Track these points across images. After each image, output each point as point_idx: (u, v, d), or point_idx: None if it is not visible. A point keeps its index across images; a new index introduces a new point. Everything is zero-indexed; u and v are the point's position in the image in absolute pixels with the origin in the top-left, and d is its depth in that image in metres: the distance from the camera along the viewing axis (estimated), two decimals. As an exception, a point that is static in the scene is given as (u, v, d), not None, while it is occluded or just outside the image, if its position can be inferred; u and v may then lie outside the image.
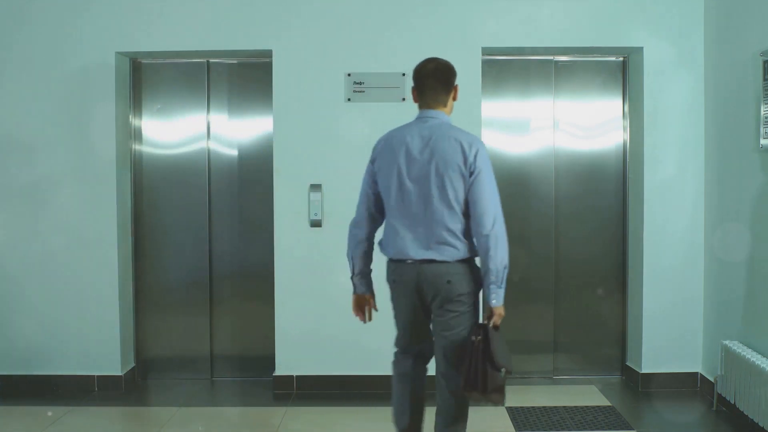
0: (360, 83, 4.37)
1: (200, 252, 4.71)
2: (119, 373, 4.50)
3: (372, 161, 2.94)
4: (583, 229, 4.69)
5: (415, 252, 2.81)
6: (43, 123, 4.42)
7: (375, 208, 2.96)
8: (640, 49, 4.39)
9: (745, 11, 3.89)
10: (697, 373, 4.41)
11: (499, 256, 2.73)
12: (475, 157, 2.76)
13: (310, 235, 4.40)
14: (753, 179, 3.78)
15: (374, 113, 4.37)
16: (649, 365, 4.43)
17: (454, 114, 3.00)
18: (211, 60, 4.66)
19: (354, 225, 3.00)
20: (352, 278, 3.02)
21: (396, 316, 3.01)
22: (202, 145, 4.70)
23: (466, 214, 2.79)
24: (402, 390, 3.00)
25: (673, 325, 4.39)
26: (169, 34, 4.42)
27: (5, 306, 4.49)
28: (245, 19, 4.39)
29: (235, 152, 4.72)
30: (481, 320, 2.91)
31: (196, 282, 4.72)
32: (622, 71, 4.64)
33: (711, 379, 4.15)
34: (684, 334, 4.40)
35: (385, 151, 2.88)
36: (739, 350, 3.74)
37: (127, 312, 4.61)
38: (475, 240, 2.80)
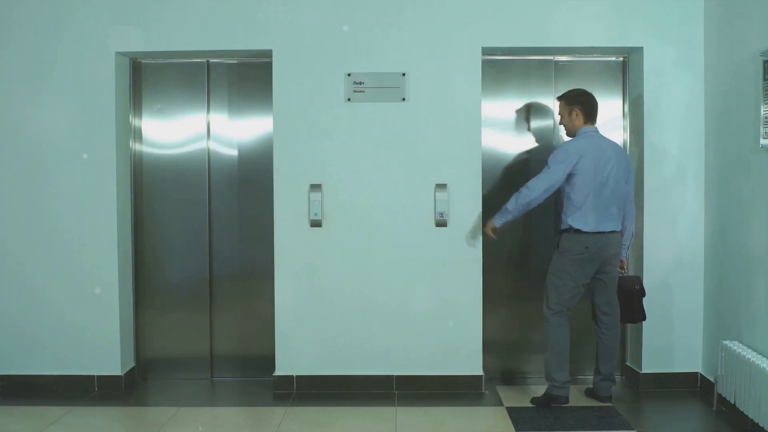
0: (360, 83, 4.37)
1: (200, 252, 4.71)
2: (119, 373, 4.50)
3: (573, 162, 3.94)
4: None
5: (605, 226, 3.98)
6: (42, 123, 4.42)
7: (554, 190, 4.02)
8: (640, 49, 4.39)
9: (745, 11, 3.89)
10: (697, 373, 4.41)
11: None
12: (628, 159, 4.16)
13: (310, 235, 4.40)
14: (753, 179, 3.78)
15: (374, 113, 4.37)
16: (649, 365, 4.43)
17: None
18: (211, 60, 4.66)
19: (529, 188, 3.99)
20: (503, 220, 4.12)
21: (570, 282, 3.99)
22: (202, 145, 4.70)
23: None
24: (565, 346, 4.04)
25: (673, 325, 4.39)
26: (169, 34, 4.42)
27: (5, 306, 4.49)
28: (245, 19, 4.39)
29: (235, 152, 4.72)
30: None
31: (196, 282, 4.72)
32: (622, 71, 4.64)
33: (711, 379, 4.15)
34: (684, 334, 4.40)
35: (584, 158, 3.95)
36: (739, 350, 3.74)
37: (127, 312, 4.61)
38: (627, 214, 4.14)
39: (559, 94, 4.46)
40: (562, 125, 4.24)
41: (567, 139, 4.24)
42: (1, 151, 4.45)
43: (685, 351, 4.41)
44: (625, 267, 4.24)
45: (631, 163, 4.18)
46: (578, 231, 3.96)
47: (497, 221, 4.13)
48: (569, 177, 3.97)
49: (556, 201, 4.48)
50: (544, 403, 4.08)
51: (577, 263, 3.99)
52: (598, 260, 4.00)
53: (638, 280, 4.21)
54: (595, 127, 4.11)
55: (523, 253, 4.72)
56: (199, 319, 4.73)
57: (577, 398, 4.26)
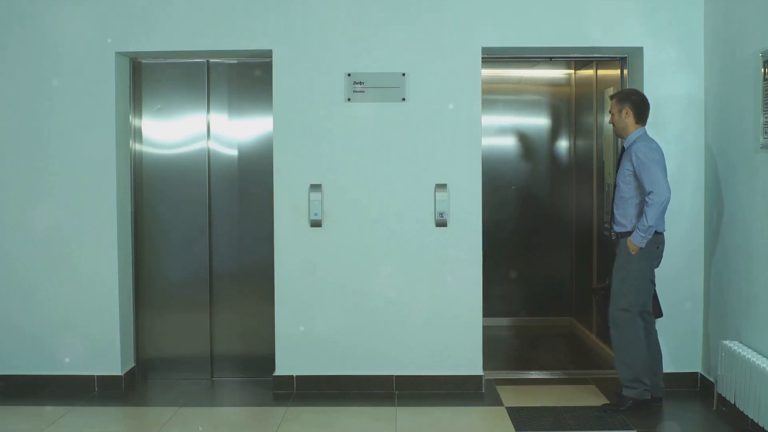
0: (360, 83, 4.37)
1: (200, 252, 4.71)
2: (119, 373, 4.51)
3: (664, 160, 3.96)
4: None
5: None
6: (43, 123, 4.42)
7: None
8: (640, 49, 4.39)
9: (745, 11, 3.89)
10: (697, 373, 4.41)
11: None
12: None
13: (310, 235, 4.40)
14: (753, 179, 3.78)
15: (374, 113, 4.37)
16: (649, 365, 4.42)
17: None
18: (211, 60, 4.66)
19: (657, 195, 3.84)
20: (648, 237, 3.89)
21: (646, 281, 3.98)
22: (202, 145, 4.70)
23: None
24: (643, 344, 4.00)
25: (672, 325, 4.38)
26: (169, 34, 4.42)
27: (5, 306, 4.49)
28: (245, 19, 4.39)
29: (235, 152, 4.72)
30: None
31: (197, 282, 4.72)
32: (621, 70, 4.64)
33: (711, 379, 4.15)
34: (684, 334, 4.40)
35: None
36: (739, 350, 3.74)
37: (127, 312, 4.61)
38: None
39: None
40: (611, 124, 4.13)
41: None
42: (1, 151, 4.45)
43: (685, 351, 4.41)
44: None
45: None
46: (654, 232, 3.91)
47: (641, 242, 3.89)
48: None
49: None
50: (632, 408, 3.99)
51: (647, 262, 3.97)
52: (660, 259, 4.04)
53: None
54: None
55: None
56: (199, 319, 4.73)
57: (577, 398, 4.26)
